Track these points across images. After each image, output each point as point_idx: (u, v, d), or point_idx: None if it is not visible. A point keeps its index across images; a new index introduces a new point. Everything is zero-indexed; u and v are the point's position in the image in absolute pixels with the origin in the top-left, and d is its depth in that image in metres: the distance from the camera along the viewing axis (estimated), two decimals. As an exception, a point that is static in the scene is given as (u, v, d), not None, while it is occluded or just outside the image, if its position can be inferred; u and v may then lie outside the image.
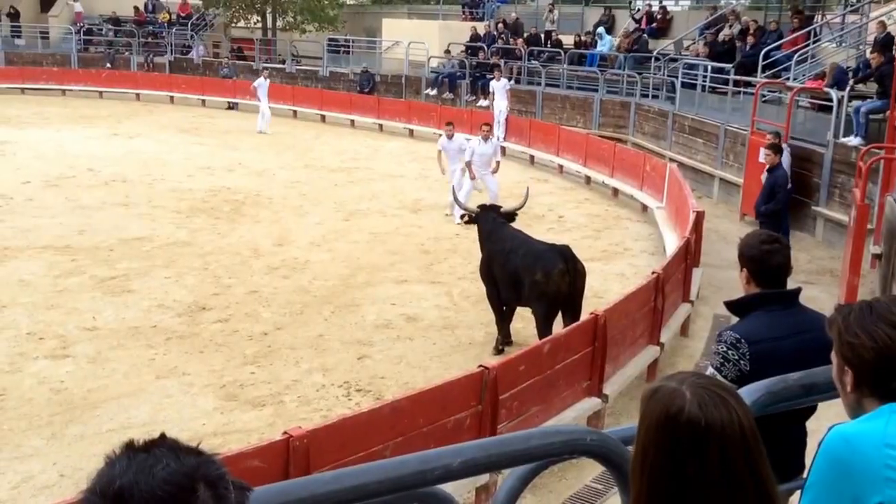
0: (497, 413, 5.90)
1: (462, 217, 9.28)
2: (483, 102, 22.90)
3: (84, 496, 1.14)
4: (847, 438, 2.01)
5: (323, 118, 25.04)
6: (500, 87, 20.79)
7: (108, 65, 30.97)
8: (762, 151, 11.60)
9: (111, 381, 7.66)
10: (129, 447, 1.18)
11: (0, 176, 15.89)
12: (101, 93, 28.81)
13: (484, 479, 5.68)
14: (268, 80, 23.76)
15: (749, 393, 2.66)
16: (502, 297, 8.47)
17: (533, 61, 23.64)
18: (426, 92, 25.20)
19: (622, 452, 2.40)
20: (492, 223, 8.80)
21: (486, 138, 13.98)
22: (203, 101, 27.79)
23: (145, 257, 11.30)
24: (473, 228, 9.28)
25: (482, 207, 9.22)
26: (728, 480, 1.60)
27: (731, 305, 3.65)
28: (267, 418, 7.04)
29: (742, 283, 3.64)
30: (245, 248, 11.92)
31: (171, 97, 28.20)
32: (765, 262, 3.55)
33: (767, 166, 11.29)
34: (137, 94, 28.61)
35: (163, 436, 1.20)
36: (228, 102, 27.58)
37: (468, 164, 13.88)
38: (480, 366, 5.92)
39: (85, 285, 10.16)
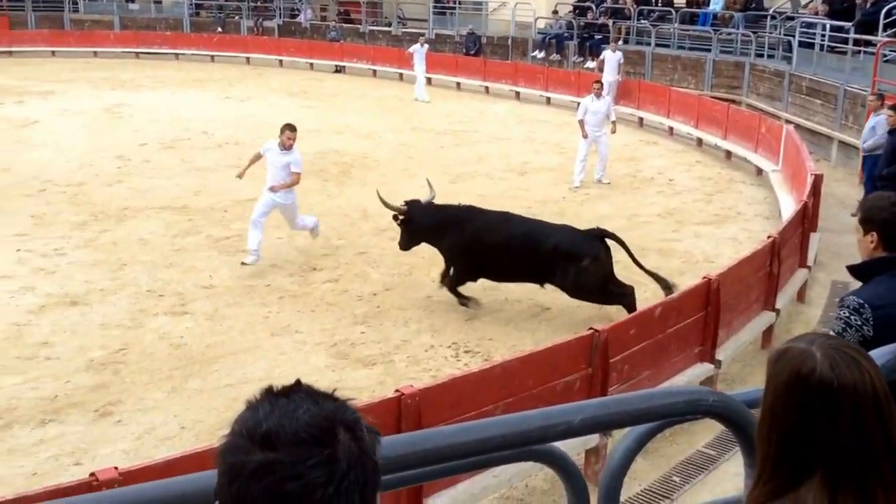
0: (607, 376, 5.83)
1: (395, 218, 8.76)
2: (590, 64, 22.46)
3: (230, 439, 1.15)
4: None
5: (429, 80, 25.04)
6: (613, 59, 19.95)
7: (219, 29, 31.68)
8: (885, 112, 11.02)
9: (228, 337, 7.91)
10: (270, 392, 1.19)
11: (118, 138, 16.47)
12: (212, 56, 29.52)
13: (594, 441, 5.64)
14: (425, 47, 23.33)
15: (877, 356, 2.55)
16: (485, 272, 8.50)
17: (642, 21, 23.03)
18: (533, 54, 24.88)
19: (745, 414, 2.33)
20: (441, 208, 8.76)
21: (598, 95, 13.67)
22: (311, 64, 28.17)
23: (258, 218, 11.56)
24: (587, 190, 9.09)
25: (409, 202, 8.77)
26: (859, 442, 1.57)
27: (855, 270, 3.52)
28: (377, 377, 7.15)
29: (865, 246, 3.49)
30: (353, 210, 12.07)
31: (280, 61, 28.68)
32: None
33: (889, 128, 10.72)
34: (247, 58, 29.20)
35: (298, 382, 1.21)
36: (336, 65, 27.88)
37: (580, 123, 13.64)
38: (591, 328, 5.85)
39: (201, 245, 10.49)
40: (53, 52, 29.18)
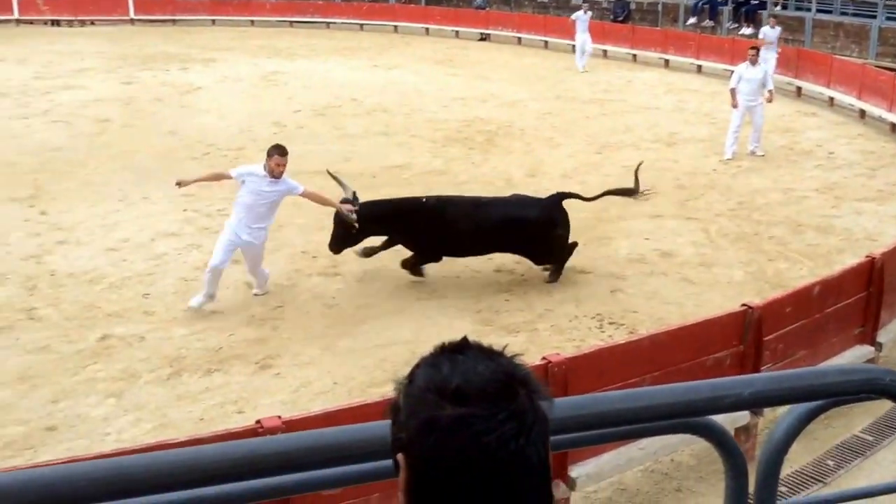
0: (760, 354, 5.70)
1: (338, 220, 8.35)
2: (746, 30, 21.59)
3: (418, 394, 1.17)
4: None
5: (574, 48, 24.70)
6: (773, 35, 18.82)
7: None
8: None
9: (377, 299, 8.16)
10: (445, 349, 1.21)
11: (274, 104, 17.08)
12: (361, 25, 30.09)
13: (744, 419, 5.54)
14: (588, 14, 22.37)
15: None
16: (453, 252, 8.53)
17: (803, -15, 21.93)
18: (687, 21, 24.10)
19: (927, 397, 2.25)
20: (390, 201, 8.72)
21: (753, 62, 13.17)
22: (456, 32, 28.29)
23: (405, 184, 11.81)
24: (740, 163, 8.83)
25: (346, 200, 8.38)
26: None
27: None
28: (521, 344, 7.21)
29: None
30: (498, 178, 12.13)
31: (427, 29, 28.94)
32: None
33: None
34: (395, 27, 29.60)
35: (466, 339, 1.23)
36: (481, 33, 27.90)
37: (732, 92, 13.18)
38: (744, 305, 5.72)
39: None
40: (213, 21, 30.44)
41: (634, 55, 23.24)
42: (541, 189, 11.56)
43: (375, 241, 8.61)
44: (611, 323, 7.65)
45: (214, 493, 1.93)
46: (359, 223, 8.19)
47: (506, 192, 11.42)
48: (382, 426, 1.39)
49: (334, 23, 30.55)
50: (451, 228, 8.32)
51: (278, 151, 7.78)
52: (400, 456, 1.17)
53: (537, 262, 8.60)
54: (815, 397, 2.34)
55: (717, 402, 2.11)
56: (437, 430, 1.13)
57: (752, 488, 2.47)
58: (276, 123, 15.37)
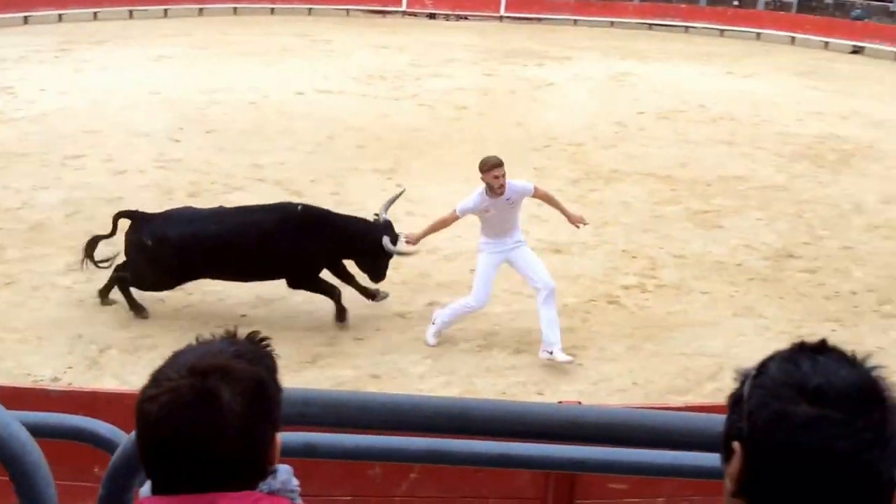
0: None
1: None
2: None
3: (773, 387, 1.15)
4: None
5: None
6: None
7: (736, 2, 31.19)
8: None
9: (690, 308, 8.10)
10: (804, 348, 1.20)
11: (618, 105, 17.24)
12: (721, 31, 29.24)
13: None
14: None
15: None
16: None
17: None
18: None
19: None
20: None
21: None
22: (826, 43, 26.54)
23: (740, 196, 11.47)
24: None
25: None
26: None
27: None
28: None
29: None
30: (845, 201, 11.36)
31: (792, 38, 27.46)
32: None
33: None
34: (758, 34, 28.41)
35: (824, 342, 1.22)
36: (853, 46, 25.93)
37: None
38: None
39: (679, 215, 10.73)
40: (575, 21, 31.23)
41: None
42: (893, 217, 10.70)
43: None
44: None
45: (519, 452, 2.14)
46: None
47: (852, 218, 10.72)
48: (709, 419, 1.43)
49: (694, 27, 30.00)
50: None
51: (491, 164, 6.80)
52: (736, 444, 1.15)
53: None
54: None
55: None
56: (790, 425, 1.11)
57: None
58: (618, 123, 15.55)
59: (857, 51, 25.77)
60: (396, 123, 14.64)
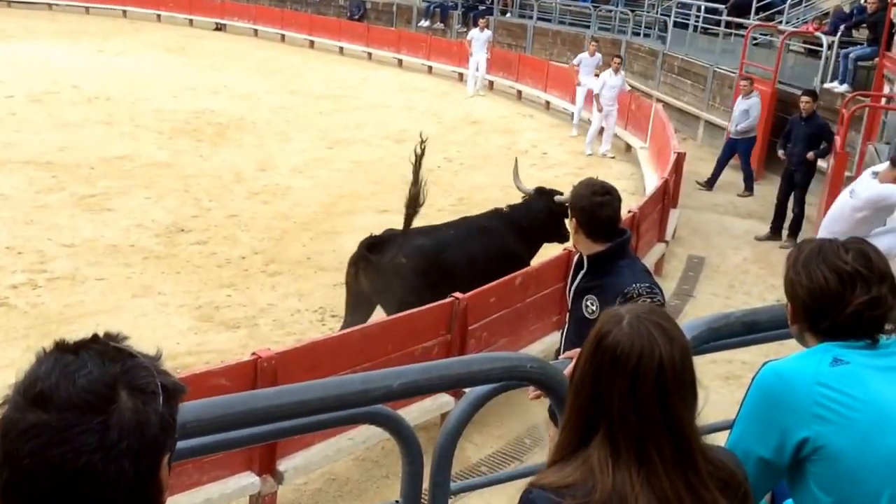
0: (465, 342, 6.01)
1: None
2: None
3: (9, 394, 1.13)
4: (779, 373, 2.07)
5: (311, 44, 24.69)
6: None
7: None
8: (802, 100, 10.89)
9: (87, 297, 7.74)
10: (59, 347, 1.15)
11: (-18, 89, 15.70)
12: (87, 8, 28.27)
13: (450, 404, 5.83)
14: (486, 33, 19.35)
15: (690, 328, 2.73)
16: None
17: (526, -6, 23.37)
18: (420, 24, 24.82)
19: (561, 380, 2.47)
20: None
21: (616, 70, 14.29)
22: (190, 20, 27.32)
23: (126, 176, 11.30)
24: (462, 161, 9.12)
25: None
26: (638, 413, 1.58)
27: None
28: (241, 340, 7.15)
29: (572, 228, 3.68)
30: (227, 172, 11.90)
31: (158, 15, 27.71)
32: (594, 214, 3.58)
33: (804, 114, 10.52)
34: (124, 11, 28.08)
35: (95, 337, 1.18)
36: (216, 23, 27.14)
37: (596, 98, 14.26)
38: (452, 295, 6.02)
39: (65, 202, 10.17)
40: None
41: (370, 53, 23.61)
42: (269, 183, 11.52)
43: None
44: (332, 316, 7.75)
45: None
46: None
47: (233, 188, 11.27)
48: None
49: (58, 5, 28.50)
50: None
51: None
52: None
53: None
54: (463, 385, 2.53)
55: (367, 394, 2.21)
56: (13, 433, 1.10)
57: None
58: (-17, 110, 14.15)
59: (220, 28, 27.01)
60: None
